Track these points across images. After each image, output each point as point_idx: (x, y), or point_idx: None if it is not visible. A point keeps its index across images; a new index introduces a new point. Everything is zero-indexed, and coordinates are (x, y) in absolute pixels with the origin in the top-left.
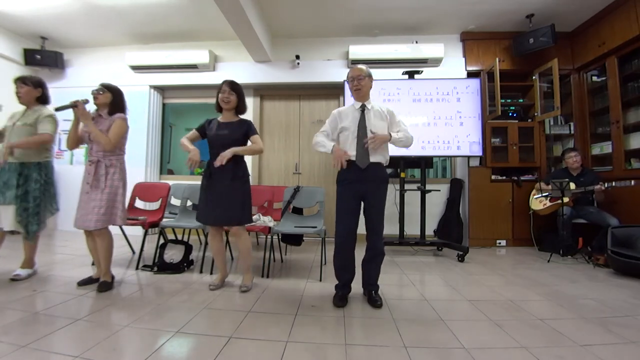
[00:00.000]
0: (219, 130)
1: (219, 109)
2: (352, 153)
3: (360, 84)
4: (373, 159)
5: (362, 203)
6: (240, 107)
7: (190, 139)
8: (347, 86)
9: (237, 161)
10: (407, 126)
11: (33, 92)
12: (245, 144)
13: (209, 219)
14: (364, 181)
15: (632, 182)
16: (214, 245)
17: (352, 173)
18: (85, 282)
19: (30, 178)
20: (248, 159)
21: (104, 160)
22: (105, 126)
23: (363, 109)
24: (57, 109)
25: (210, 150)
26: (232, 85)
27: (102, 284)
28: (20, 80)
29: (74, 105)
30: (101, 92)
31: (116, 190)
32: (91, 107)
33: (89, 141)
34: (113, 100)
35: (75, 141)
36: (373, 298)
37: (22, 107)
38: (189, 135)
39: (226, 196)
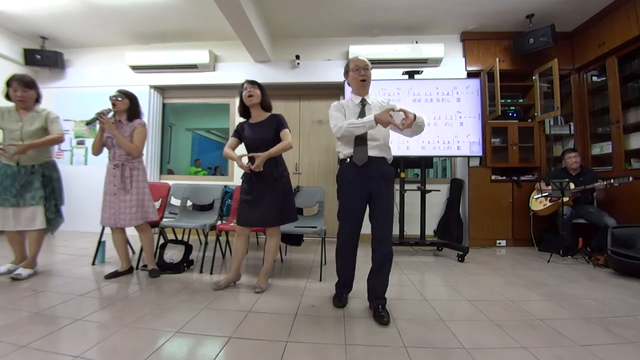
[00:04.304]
0: (251, 133)
1: (245, 111)
2: (349, 150)
3: (367, 75)
4: (373, 153)
5: (368, 204)
6: (267, 102)
7: (231, 147)
8: (347, 86)
9: (277, 162)
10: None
11: (34, 95)
12: (279, 140)
13: (249, 221)
14: (366, 178)
15: (631, 178)
16: (238, 245)
17: (351, 171)
18: (112, 275)
19: (52, 178)
20: None
21: (128, 164)
22: (127, 132)
23: (364, 103)
24: (88, 123)
25: (249, 152)
26: (253, 81)
27: (153, 271)
28: (22, 84)
29: (99, 118)
30: (120, 99)
31: (143, 190)
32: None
33: (111, 146)
34: (131, 106)
35: (99, 148)
36: (379, 314)
37: (6, 104)
38: (229, 143)
39: (266, 198)
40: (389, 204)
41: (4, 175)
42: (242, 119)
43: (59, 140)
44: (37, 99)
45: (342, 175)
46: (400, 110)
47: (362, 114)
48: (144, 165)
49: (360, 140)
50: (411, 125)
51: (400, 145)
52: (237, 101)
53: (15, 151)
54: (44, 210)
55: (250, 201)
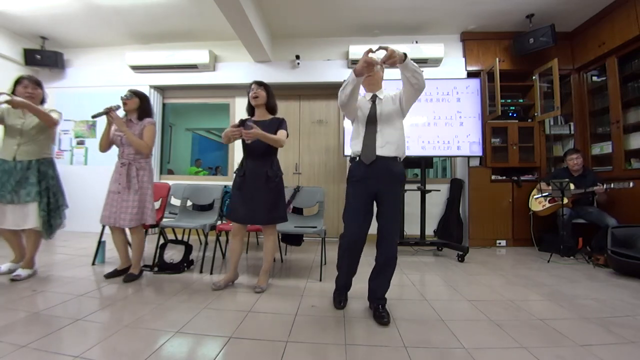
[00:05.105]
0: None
1: (252, 110)
2: (358, 148)
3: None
4: (382, 152)
5: (375, 204)
6: (272, 104)
7: None
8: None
9: (272, 161)
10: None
11: (41, 94)
12: None
13: (239, 216)
14: (374, 178)
15: (631, 183)
16: (233, 244)
17: (359, 169)
18: (111, 275)
19: (47, 174)
20: None
21: (135, 163)
22: (137, 130)
23: (374, 99)
24: (94, 116)
25: (245, 148)
26: (260, 82)
27: (129, 275)
28: (33, 82)
29: (107, 112)
30: (129, 98)
31: (146, 192)
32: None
33: (120, 144)
34: (141, 105)
35: (107, 144)
36: (380, 314)
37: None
38: None
39: (258, 196)
40: (395, 205)
41: (1, 171)
42: (247, 116)
43: (53, 120)
44: (42, 100)
45: (350, 173)
46: (381, 47)
47: (373, 109)
48: (152, 166)
49: (369, 138)
50: (394, 60)
51: None
52: (237, 101)
53: (7, 100)
54: (36, 208)
55: (241, 196)
